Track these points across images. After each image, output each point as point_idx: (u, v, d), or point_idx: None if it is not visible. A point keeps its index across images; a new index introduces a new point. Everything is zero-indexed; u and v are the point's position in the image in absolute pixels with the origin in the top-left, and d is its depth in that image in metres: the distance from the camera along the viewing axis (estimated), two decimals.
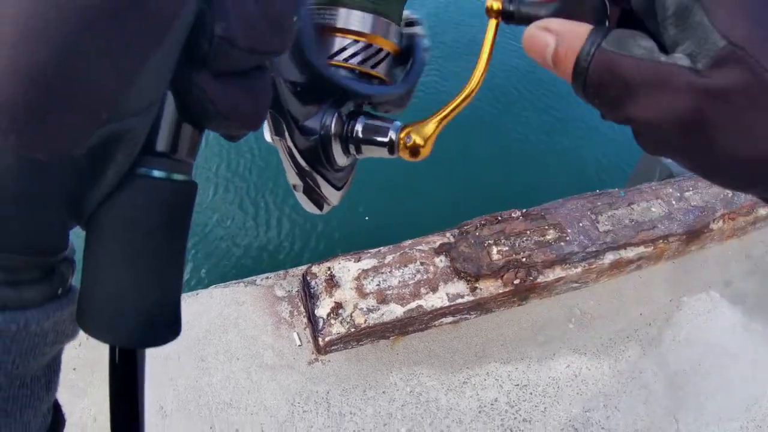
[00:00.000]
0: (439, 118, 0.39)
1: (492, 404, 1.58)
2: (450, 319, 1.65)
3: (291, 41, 0.25)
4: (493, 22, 0.33)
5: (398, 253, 1.64)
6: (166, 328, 0.24)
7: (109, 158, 0.21)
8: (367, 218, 2.28)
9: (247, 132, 0.25)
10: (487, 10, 0.32)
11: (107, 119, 0.19)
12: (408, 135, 0.39)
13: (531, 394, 1.61)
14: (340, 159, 0.42)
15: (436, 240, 1.69)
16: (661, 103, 0.24)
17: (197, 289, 1.70)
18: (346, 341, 1.56)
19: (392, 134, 0.39)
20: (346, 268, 1.60)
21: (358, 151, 0.41)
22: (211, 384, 1.54)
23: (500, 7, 0.32)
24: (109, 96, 0.18)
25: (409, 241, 1.68)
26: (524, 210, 1.79)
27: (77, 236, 0.24)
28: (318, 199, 0.44)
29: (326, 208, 0.46)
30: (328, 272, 1.59)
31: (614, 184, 2.24)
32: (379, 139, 0.40)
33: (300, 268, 1.71)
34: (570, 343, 1.71)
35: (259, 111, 0.25)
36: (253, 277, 1.73)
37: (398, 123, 0.40)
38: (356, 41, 0.39)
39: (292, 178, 0.42)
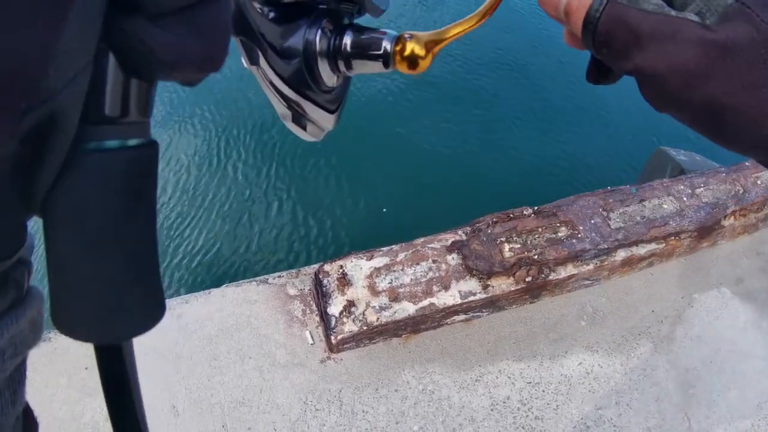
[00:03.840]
0: (442, 31, 0.35)
1: (504, 402, 1.57)
2: (462, 316, 1.64)
3: None
4: None
5: (410, 251, 1.63)
6: (145, 313, 0.22)
7: (44, 143, 0.18)
8: (384, 210, 2.28)
9: (205, 75, 0.22)
10: None
11: (28, 108, 0.16)
12: (405, 45, 0.35)
13: (543, 391, 1.60)
14: (329, 79, 0.38)
15: (449, 238, 1.68)
16: (670, 54, 0.25)
17: (209, 288, 1.70)
18: (358, 339, 1.56)
19: (387, 45, 0.35)
20: (359, 267, 1.60)
21: (349, 67, 0.37)
22: (224, 383, 1.54)
23: None
24: (26, 83, 0.15)
25: (422, 239, 1.67)
26: (536, 207, 1.79)
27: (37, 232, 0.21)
28: (311, 126, 0.40)
29: (321, 134, 0.42)
30: (341, 270, 1.58)
31: (626, 180, 2.23)
32: (372, 52, 0.36)
33: (312, 266, 1.71)
34: (582, 340, 1.71)
35: (212, 50, 0.21)
36: (266, 276, 1.72)
37: (393, 32, 0.36)
38: None
39: (279, 107, 0.38)
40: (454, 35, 0.35)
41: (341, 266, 1.59)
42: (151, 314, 0.22)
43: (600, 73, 0.31)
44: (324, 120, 0.40)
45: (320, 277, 1.58)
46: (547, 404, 1.58)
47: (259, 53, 0.33)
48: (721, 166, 2.08)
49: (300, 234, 2.33)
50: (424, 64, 0.35)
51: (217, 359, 1.57)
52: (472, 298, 1.59)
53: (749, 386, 1.69)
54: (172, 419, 1.49)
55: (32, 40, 0.14)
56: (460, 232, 1.70)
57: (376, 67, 0.36)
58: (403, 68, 0.36)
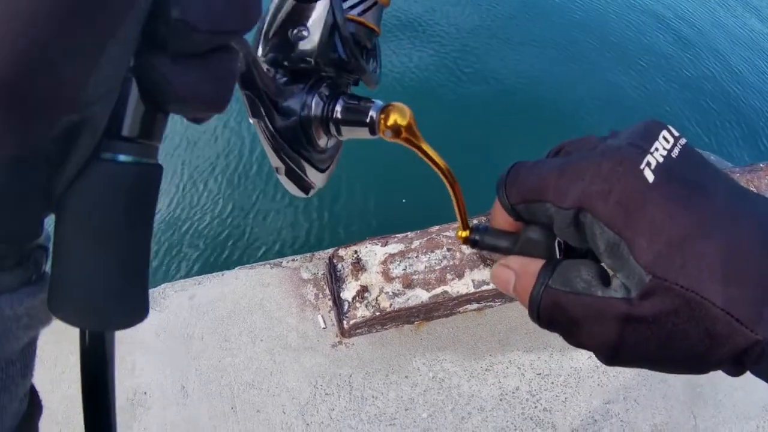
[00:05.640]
0: (422, 143, 0.39)
1: (513, 392, 1.58)
2: (475, 305, 1.65)
3: (256, 19, 0.25)
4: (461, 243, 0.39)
5: (425, 239, 1.63)
6: (132, 310, 0.25)
7: (72, 145, 0.21)
8: (404, 200, 2.28)
9: (211, 115, 0.26)
10: (458, 237, 0.38)
11: (68, 111, 0.19)
12: (389, 114, 0.38)
13: (552, 383, 1.61)
14: (321, 140, 0.41)
15: None
16: (603, 333, 0.27)
17: (222, 270, 1.69)
18: (370, 325, 1.56)
19: (373, 114, 0.39)
20: (373, 252, 1.60)
21: (339, 132, 0.41)
22: (234, 364, 1.54)
23: (467, 236, 0.37)
24: (70, 90, 0.18)
25: (437, 227, 1.67)
26: None
27: (52, 223, 0.24)
28: (301, 182, 0.44)
29: (311, 191, 0.45)
30: (355, 256, 1.58)
31: None
32: (360, 119, 0.39)
33: (326, 251, 1.71)
34: None
35: (221, 94, 0.25)
36: (279, 259, 1.72)
37: (380, 102, 0.39)
38: None
39: (274, 160, 0.41)
40: (424, 151, 0.39)
41: (356, 251, 1.59)
42: (136, 312, 0.25)
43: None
44: (315, 177, 0.44)
45: (334, 261, 1.58)
46: (556, 396, 1.59)
47: (262, 108, 0.37)
48: (735, 167, 2.08)
49: (315, 219, 2.33)
50: (406, 134, 0.39)
51: (229, 341, 1.57)
52: (485, 287, 1.59)
53: (755, 388, 1.69)
54: (181, 399, 1.48)
55: (82, 56, 0.18)
56: (475, 221, 1.70)
57: (363, 133, 0.40)
58: (386, 136, 0.39)
